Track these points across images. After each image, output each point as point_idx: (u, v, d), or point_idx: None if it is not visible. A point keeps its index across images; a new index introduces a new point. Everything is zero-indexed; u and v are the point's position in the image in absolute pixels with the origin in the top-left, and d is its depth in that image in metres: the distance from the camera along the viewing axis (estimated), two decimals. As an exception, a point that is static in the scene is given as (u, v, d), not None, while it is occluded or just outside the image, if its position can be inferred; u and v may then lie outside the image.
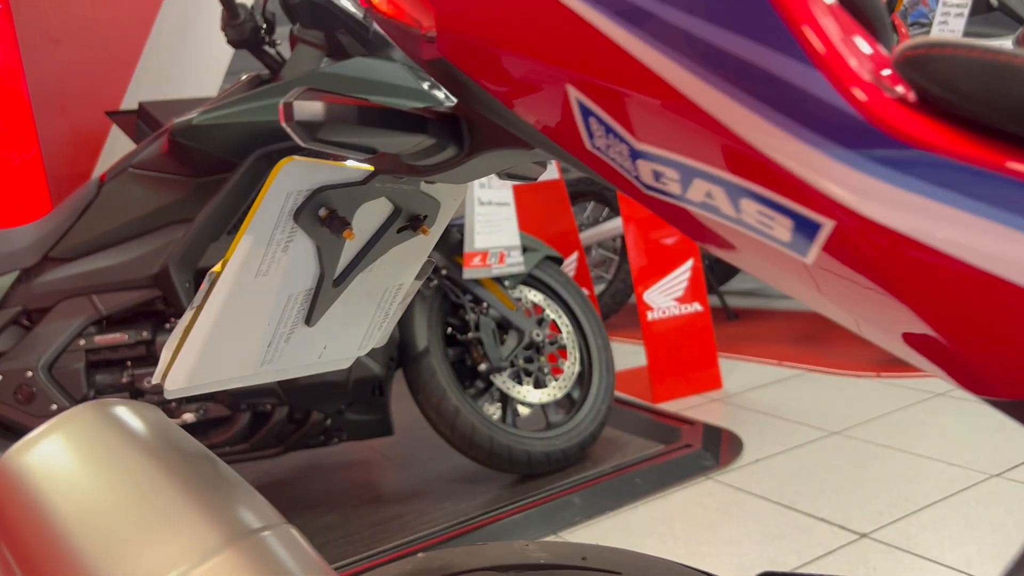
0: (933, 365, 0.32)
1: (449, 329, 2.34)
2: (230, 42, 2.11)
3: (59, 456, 0.35)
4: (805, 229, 0.30)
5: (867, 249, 0.29)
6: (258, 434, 2.09)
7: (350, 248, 0.52)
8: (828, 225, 0.30)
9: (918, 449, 2.26)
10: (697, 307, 3.04)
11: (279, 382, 1.95)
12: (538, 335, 2.38)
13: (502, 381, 2.32)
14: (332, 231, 0.48)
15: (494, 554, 0.59)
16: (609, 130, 0.35)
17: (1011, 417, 0.32)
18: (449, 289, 2.32)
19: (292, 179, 0.46)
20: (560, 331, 2.49)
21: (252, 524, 0.34)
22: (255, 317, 0.50)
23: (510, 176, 0.57)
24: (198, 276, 2.03)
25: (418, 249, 0.58)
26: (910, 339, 0.32)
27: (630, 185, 0.37)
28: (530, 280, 2.49)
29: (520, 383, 2.37)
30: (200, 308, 0.47)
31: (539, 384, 2.40)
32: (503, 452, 2.24)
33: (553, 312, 2.49)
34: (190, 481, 0.35)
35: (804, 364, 3.23)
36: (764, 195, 0.31)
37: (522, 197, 3.24)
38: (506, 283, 2.40)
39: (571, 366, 2.47)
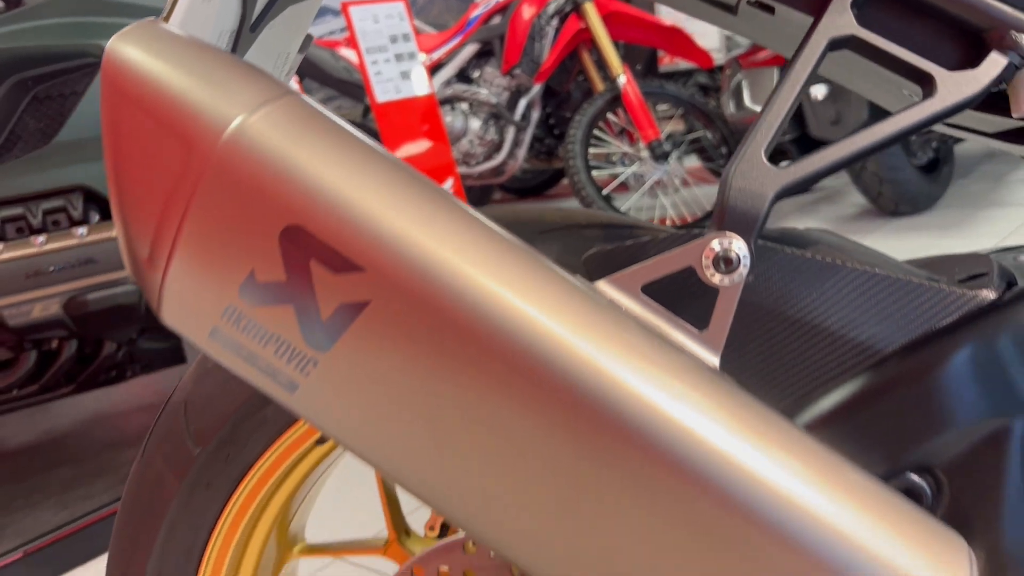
0: None
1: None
2: (-51, -29, 1.98)
3: (151, 48, 0.47)
4: None
5: None
6: (48, 373, 2.03)
7: None
8: None
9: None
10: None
11: (66, 309, 1.91)
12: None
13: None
14: None
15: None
16: None
17: None
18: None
19: None
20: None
21: (282, 88, 0.47)
22: None
23: None
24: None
25: (303, 17, 0.71)
26: None
27: None
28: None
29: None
30: (167, 19, 0.57)
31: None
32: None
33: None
34: (231, 61, 0.48)
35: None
36: None
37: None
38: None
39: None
